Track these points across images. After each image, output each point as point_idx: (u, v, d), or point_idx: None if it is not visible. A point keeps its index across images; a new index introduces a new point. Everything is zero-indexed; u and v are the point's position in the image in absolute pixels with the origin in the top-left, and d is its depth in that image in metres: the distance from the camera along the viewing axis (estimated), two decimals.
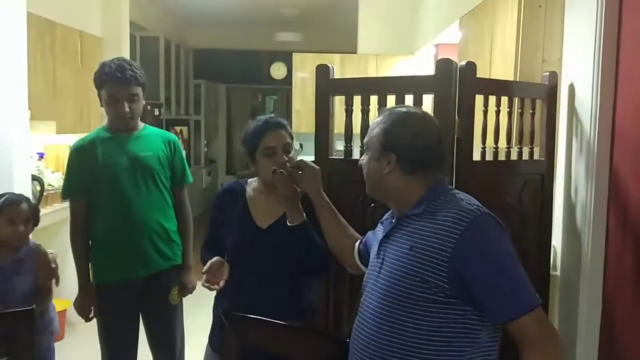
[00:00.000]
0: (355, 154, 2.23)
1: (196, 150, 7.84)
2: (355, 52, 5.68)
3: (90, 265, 2.13)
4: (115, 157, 2.09)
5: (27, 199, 2.05)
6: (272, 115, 1.83)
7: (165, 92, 6.48)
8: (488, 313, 1.09)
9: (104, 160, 2.08)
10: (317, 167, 1.69)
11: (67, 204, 3.62)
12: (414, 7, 5.24)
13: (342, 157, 2.23)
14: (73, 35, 3.92)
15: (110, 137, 2.13)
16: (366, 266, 1.37)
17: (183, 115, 7.33)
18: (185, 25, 7.07)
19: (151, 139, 2.18)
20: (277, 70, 6.29)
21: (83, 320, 2.12)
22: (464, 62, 2.02)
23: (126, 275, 2.08)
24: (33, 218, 2.03)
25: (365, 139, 1.35)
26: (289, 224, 1.62)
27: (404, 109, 1.41)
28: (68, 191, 2.18)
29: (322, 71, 2.21)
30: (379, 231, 1.36)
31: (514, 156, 2.24)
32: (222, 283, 1.60)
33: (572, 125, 2.20)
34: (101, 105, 2.14)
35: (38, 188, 3.19)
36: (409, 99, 2.09)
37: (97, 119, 4.35)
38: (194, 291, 2.25)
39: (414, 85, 2.07)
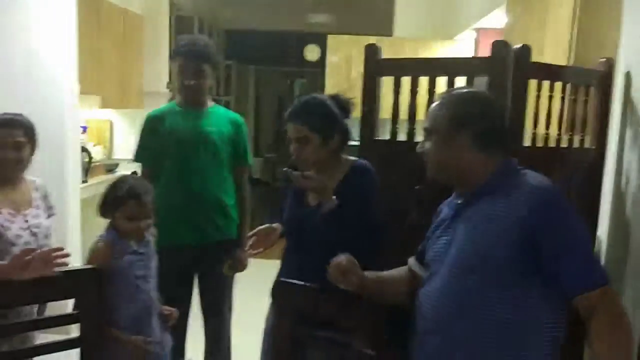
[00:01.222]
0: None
1: None
2: (390, 35, 5.63)
3: None
4: (182, 129, 2.18)
5: (148, 189, 1.77)
6: (303, 100, 1.79)
7: None
8: (562, 284, 1.10)
9: (171, 131, 2.18)
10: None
11: (109, 176, 3.77)
12: None
13: (388, 139, 2.22)
14: (117, 13, 3.99)
15: (180, 111, 2.23)
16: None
17: (214, 96, 7.39)
18: (218, 6, 7.08)
19: (217, 117, 2.26)
20: (311, 53, 6.25)
21: None
22: (519, 45, 1.99)
23: (182, 242, 2.15)
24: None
25: (428, 124, 1.31)
26: (323, 211, 1.65)
27: (464, 89, 1.41)
28: (139, 155, 2.31)
29: (371, 51, 2.20)
30: (440, 216, 1.35)
31: (564, 144, 2.22)
32: (261, 250, 1.72)
33: (626, 114, 2.14)
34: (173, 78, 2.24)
35: (87, 159, 3.29)
36: (459, 82, 2.09)
37: (138, 96, 4.46)
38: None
39: (467, 67, 2.05)
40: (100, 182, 3.53)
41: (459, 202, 1.28)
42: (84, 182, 3.25)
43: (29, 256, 1.43)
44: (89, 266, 1.63)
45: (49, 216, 2.00)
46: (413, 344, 1.29)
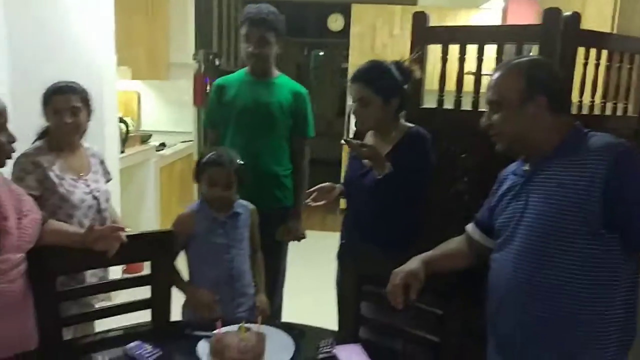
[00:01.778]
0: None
1: None
2: (415, 4, 5.56)
3: None
4: (244, 98, 2.23)
5: (233, 159, 1.80)
6: (367, 63, 1.85)
7: (218, 42, 6.48)
8: (636, 240, 1.15)
9: (234, 99, 2.24)
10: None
11: (144, 146, 3.84)
12: None
13: (435, 107, 2.24)
14: None
15: (246, 80, 2.27)
16: (491, 235, 1.40)
17: (233, 67, 7.37)
18: None
19: (280, 88, 2.28)
20: (334, 22, 6.15)
21: None
22: (569, 13, 1.99)
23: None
24: (236, 181, 1.81)
25: (495, 96, 1.28)
26: (376, 177, 1.71)
27: (523, 57, 1.41)
28: (207, 121, 2.44)
29: (419, 19, 2.21)
30: (505, 184, 1.38)
31: (608, 111, 2.23)
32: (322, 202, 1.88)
33: None
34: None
35: (124, 130, 3.35)
36: (508, 49, 2.10)
37: (165, 67, 4.46)
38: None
39: (517, 34, 2.05)
40: (137, 152, 3.60)
41: (527, 168, 1.31)
42: (121, 152, 3.31)
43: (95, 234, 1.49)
44: (163, 229, 1.70)
45: (107, 181, 2.07)
46: (490, 307, 1.34)
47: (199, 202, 1.84)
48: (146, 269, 1.71)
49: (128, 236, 1.55)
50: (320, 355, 1.43)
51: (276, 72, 2.31)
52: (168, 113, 4.71)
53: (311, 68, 9.31)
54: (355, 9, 5.39)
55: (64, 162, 1.88)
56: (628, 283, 1.19)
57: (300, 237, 2.34)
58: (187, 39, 4.63)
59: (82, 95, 1.88)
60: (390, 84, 1.78)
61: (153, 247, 1.67)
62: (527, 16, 4.17)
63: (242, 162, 1.80)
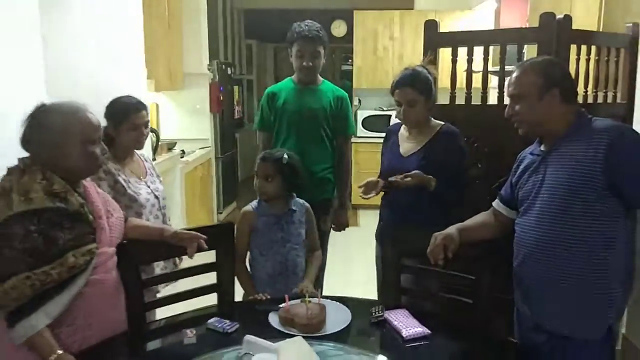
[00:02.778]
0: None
1: (249, 109, 8.17)
2: (412, 8, 5.85)
3: None
4: (292, 104, 2.53)
5: (279, 157, 2.02)
6: (407, 70, 2.13)
7: (224, 52, 6.75)
8: (633, 201, 1.44)
9: (283, 105, 2.54)
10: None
11: (171, 154, 4.08)
12: None
13: (447, 103, 2.51)
14: None
15: (294, 88, 2.57)
16: (514, 207, 1.69)
17: (238, 75, 7.62)
18: None
19: (324, 93, 2.57)
20: (337, 28, 6.49)
21: None
22: (561, 15, 2.27)
23: None
24: (280, 175, 2.02)
25: (516, 90, 1.56)
26: (429, 190, 2.00)
27: (538, 58, 1.69)
28: (260, 124, 2.67)
29: (430, 26, 2.47)
30: (524, 163, 1.65)
31: (599, 100, 2.52)
32: (373, 194, 2.09)
33: None
34: (290, 59, 2.57)
35: (154, 139, 3.60)
36: (510, 50, 2.37)
37: (181, 78, 4.70)
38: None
39: (517, 36, 2.34)
40: (165, 160, 3.85)
41: (543, 149, 1.59)
42: (153, 159, 3.55)
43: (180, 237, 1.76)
44: (226, 222, 1.95)
45: (160, 182, 2.30)
46: (515, 263, 1.61)
47: (258, 200, 2.09)
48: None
49: (197, 228, 1.81)
50: (373, 320, 1.67)
51: (320, 79, 2.62)
52: (185, 121, 4.96)
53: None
54: (357, 15, 5.69)
55: (127, 168, 2.13)
56: (626, 237, 1.48)
57: (346, 226, 2.61)
58: (202, 50, 4.88)
59: (148, 111, 2.15)
60: (428, 85, 2.10)
61: (217, 237, 1.90)
62: (518, 16, 4.46)
63: (287, 159, 2.04)
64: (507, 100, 1.63)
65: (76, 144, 1.50)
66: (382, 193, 2.19)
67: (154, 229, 1.82)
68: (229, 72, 5.54)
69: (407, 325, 1.62)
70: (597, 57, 2.47)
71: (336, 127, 2.60)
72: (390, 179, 2.04)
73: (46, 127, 1.48)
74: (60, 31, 2.80)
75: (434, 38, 2.45)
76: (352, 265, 3.84)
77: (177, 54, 4.57)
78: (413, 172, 2.00)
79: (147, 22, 3.55)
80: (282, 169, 2.02)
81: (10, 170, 1.48)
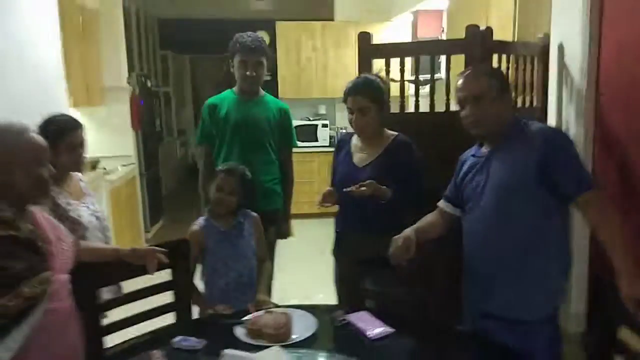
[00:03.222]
0: None
1: (168, 122, 7.91)
2: (332, 19, 6.02)
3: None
4: (236, 114, 2.50)
5: (242, 171, 2.07)
6: (359, 78, 2.16)
7: (139, 63, 6.49)
8: (567, 190, 1.57)
9: (226, 115, 2.50)
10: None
11: (96, 172, 3.83)
12: None
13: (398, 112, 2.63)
14: (76, 9, 3.94)
15: (236, 99, 2.54)
16: (458, 206, 1.81)
17: (153, 87, 7.36)
18: None
19: (267, 105, 2.57)
20: None
21: None
22: (483, 27, 2.48)
23: None
24: (242, 190, 2.04)
25: (476, 91, 1.64)
26: (380, 202, 2.00)
27: (484, 65, 1.84)
28: (201, 138, 2.61)
29: (364, 38, 2.59)
30: (467, 164, 1.78)
31: (519, 104, 2.77)
32: (329, 205, 2.10)
33: (561, 77, 2.72)
34: (231, 70, 2.54)
35: None
36: (440, 59, 2.55)
37: (100, 93, 4.46)
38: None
39: (446, 47, 2.51)
40: (92, 178, 3.62)
41: (484, 150, 1.72)
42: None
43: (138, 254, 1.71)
44: (181, 238, 1.89)
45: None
46: (465, 255, 1.74)
47: (204, 218, 2.05)
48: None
49: (151, 245, 1.75)
50: (337, 324, 1.70)
51: (261, 92, 2.60)
52: (105, 137, 4.69)
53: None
54: (280, 26, 5.74)
55: (66, 191, 2.00)
56: (562, 229, 1.67)
57: (289, 235, 2.62)
58: (120, 63, 4.66)
59: (83, 129, 2.05)
60: (381, 94, 2.11)
61: (173, 254, 1.83)
62: (433, 27, 4.77)
63: (248, 174, 2.04)
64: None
65: (21, 168, 1.40)
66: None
67: (108, 250, 1.74)
68: (149, 84, 5.34)
69: (370, 325, 1.67)
70: (515, 65, 2.72)
71: (280, 139, 2.60)
72: (345, 189, 2.01)
73: None
74: None
75: (367, 49, 2.57)
76: (296, 273, 3.86)
77: (94, 67, 4.33)
78: (368, 182, 1.98)
79: (62, 35, 3.36)
80: (245, 183, 2.02)
81: None
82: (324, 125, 6.01)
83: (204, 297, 2.01)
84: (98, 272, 1.69)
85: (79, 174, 2.18)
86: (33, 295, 1.34)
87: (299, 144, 5.67)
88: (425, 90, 2.92)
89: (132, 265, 1.73)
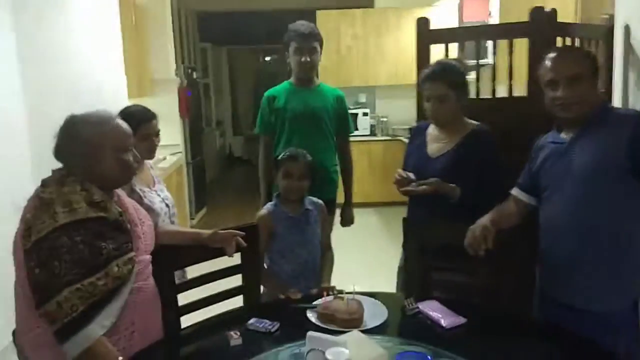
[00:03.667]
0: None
1: (207, 113, 8.02)
2: (372, 6, 5.96)
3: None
4: (295, 105, 2.55)
5: (305, 155, 2.08)
6: (439, 63, 2.02)
7: (181, 56, 6.58)
8: None
9: (285, 106, 2.55)
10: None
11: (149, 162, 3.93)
12: None
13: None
14: (129, 5, 4.05)
15: (293, 89, 2.60)
16: (532, 194, 1.76)
17: (204, 78, 7.47)
18: None
19: (324, 94, 2.61)
20: None
21: None
22: (548, 9, 2.40)
23: None
24: (309, 173, 2.06)
25: (575, 69, 1.57)
26: (450, 200, 1.90)
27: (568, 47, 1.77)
28: (260, 128, 2.67)
29: (423, 23, 2.54)
30: (545, 150, 1.72)
31: None
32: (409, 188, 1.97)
33: (627, 60, 2.61)
34: (287, 60, 2.58)
35: None
36: (502, 44, 2.48)
37: (150, 85, 4.55)
38: None
39: (508, 31, 2.44)
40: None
41: (566, 136, 1.66)
42: None
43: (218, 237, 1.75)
44: (249, 223, 1.92)
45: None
46: (544, 243, 1.70)
47: (273, 203, 2.07)
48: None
49: (221, 230, 1.78)
50: (409, 312, 1.69)
51: (317, 81, 2.63)
52: None
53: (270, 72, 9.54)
54: (320, 14, 5.72)
55: (139, 178, 2.05)
56: None
57: (352, 222, 2.63)
58: (168, 55, 4.76)
59: (158, 120, 2.09)
60: (462, 79, 1.99)
61: (242, 238, 1.85)
62: (481, 11, 4.66)
63: (311, 158, 2.05)
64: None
65: (109, 153, 1.48)
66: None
67: (189, 233, 1.82)
68: (194, 76, 5.43)
69: (444, 315, 1.66)
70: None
71: (337, 126, 2.63)
72: (402, 189, 1.91)
73: (78, 139, 1.47)
74: (36, 46, 2.70)
75: (425, 35, 2.52)
76: (353, 261, 3.86)
77: (145, 60, 4.45)
78: (431, 179, 1.88)
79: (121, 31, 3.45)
80: (312, 167, 2.03)
81: (47, 182, 1.45)
82: (365, 114, 5.98)
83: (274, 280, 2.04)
84: (175, 254, 1.74)
85: (150, 162, 2.23)
86: (120, 275, 1.40)
87: None
88: (470, 76, 2.85)
89: (206, 248, 1.77)
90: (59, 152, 1.49)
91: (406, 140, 2.18)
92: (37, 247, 1.33)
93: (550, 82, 1.63)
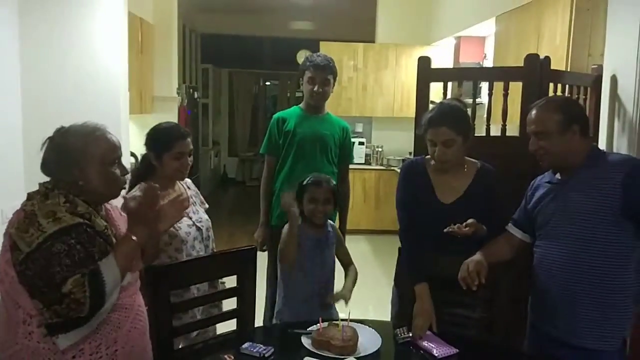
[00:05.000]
0: None
1: (204, 132, 8.08)
2: (373, 41, 6.14)
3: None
4: (305, 129, 2.65)
5: (329, 180, 2.13)
6: (444, 106, 1.93)
7: (182, 76, 6.70)
8: None
9: (294, 129, 2.64)
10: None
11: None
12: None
13: None
14: (137, 22, 4.15)
15: (302, 114, 2.69)
16: (527, 231, 1.84)
17: (204, 98, 7.56)
18: (196, 11, 7.26)
19: (331, 123, 2.72)
20: (302, 57, 6.69)
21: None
22: (542, 56, 2.53)
23: None
24: (333, 198, 2.09)
25: (539, 128, 1.68)
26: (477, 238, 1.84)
27: (555, 97, 1.83)
28: (266, 148, 2.73)
29: (424, 61, 2.64)
30: (540, 190, 1.79)
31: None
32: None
33: (613, 108, 2.73)
34: (300, 86, 2.66)
35: (132, 161, 3.51)
36: (497, 86, 2.59)
37: (150, 101, 4.62)
38: None
39: (504, 74, 2.56)
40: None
41: (560, 177, 1.74)
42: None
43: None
44: (248, 246, 1.96)
45: (205, 210, 2.17)
46: (536, 282, 1.76)
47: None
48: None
49: (220, 252, 1.80)
50: (400, 340, 1.74)
51: (325, 109, 2.73)
52: None
53: (270, 97, 9.70)
54: (323, 45, 5.87)
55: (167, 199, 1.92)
56: (637, 260, 1.66)
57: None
58: (171, 74, 4.85)
59: (191, 138, 2.06)
60: (466, 123, 1.93)
61: (238, 262, 1.92)
62: (475, 53, 4.84)
63: (335, 184, 2.12)
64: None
65: (95, 165, 1.44)
66: None
67: (128, 238, 1.53)
68: (195, 95, 5.51)
69: (436, 345, 1.70)
70: (569, 95, 2.75)
71: (341, 155, 2.73)
72: (446, 229, 1.80)
73: (65, 149, 1.44)
74: (39, 52, 2.71)
75: (426, 73, 2.63)
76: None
77: (148, 78, 4.52)
78: (470, 221, 1.80)
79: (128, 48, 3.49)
80: (334, 193, 2.11)
81: (31, 195, 1.43)
82: (361, 143, 6.09)
83: (284, 305, 2.08)
84: (173, 274, 1.76)
85: (187, 182, 2.16)
86: None
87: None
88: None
89: (206, 270, 1.80)
90: (46, 164, 1.45)
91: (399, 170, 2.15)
92: (32, 258, 1.31)
93: (528, 133, 1.75)
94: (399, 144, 6.04)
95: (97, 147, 1.45)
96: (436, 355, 1.65)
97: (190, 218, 2.04)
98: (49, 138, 1.47)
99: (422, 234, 1.93)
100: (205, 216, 2.14)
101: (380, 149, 6.22)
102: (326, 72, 2.61)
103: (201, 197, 2.24)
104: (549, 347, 1.73)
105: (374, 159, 6.23)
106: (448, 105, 1.95)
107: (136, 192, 1.81)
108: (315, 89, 2.60)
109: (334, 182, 2.17)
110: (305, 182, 2.12)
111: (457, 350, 1.68)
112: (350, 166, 2.84)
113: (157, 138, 2.00)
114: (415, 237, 1.95)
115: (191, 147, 2.04)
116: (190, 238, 2.00)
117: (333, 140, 2.67)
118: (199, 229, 2.06)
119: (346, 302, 1.83)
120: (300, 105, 2.75)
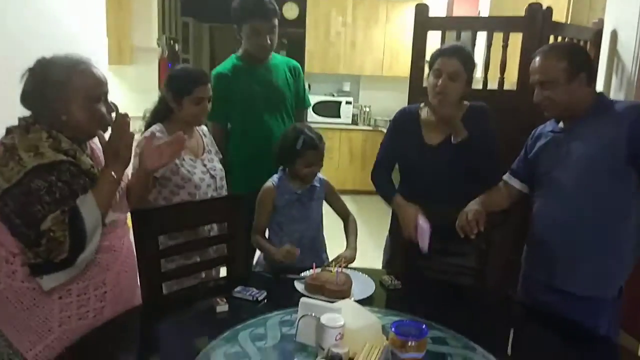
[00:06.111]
0: None
1: None
2: None
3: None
4: (253, 86, 2.28)
5: (321, 138, 2.00)
6: (455, 43, 2.01)
7: (161, 27, 6.41)
8: None
9: (241, 89, 2.27)
10: None
11: None
12: None
13: None
14: None
15: (246, 67, 2.30)
16: (525, 181, 1.80)
17: (185, 53, 7.29)
18: None
19: (279, 67, 2.36)
20: (290, 11, 6.40)
21: None
22: (545, 7, 2.45)
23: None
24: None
25: (544, 77, 1.60)
26: (453, 142, 1.84)
27: (561, 43, 1.77)
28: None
29: (421, 10, 2.54)
30: (542, 139, 1.74)
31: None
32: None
33: (612, 64, 2.69)
34: (239, 38, 2.28)
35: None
36: (497, 37, 2.51)
37: (130, 52, 4.41)
38: None
39: (504, 24, 2.47)
40: None
41: (563, 127, 1.69)
42: None
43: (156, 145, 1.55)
44: (235, 193, 1.91)
45: (219, 159, 2.11)
46: (536, 231, 1.73)
47: (278, 176, 2.03)
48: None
49: (207, 200, 1.75)
50: (391, 287, 1.71)
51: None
52: (132, 97, 4.65)
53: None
54: None
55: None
56: (638, 211, 1.63)
57: None
58: (151, 23, 4.61)
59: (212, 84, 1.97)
60: (472, 62, 1.91)
61: (227, 209, 1.85)
62: (470, 6, 4.70)
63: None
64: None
65: (78, 100, 1.36)
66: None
67: (106, 174, 1.43)
68: (176, 48, 5.28)
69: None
70: None
71: (295, 100, 2.41)
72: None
73: (47, 81, 1.35)
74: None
75: (424, 21, 2.53)
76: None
77: (126, 26, 4.29)
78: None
79: None
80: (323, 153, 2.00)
81: (10, 129, 1.35)
82: (348, 102, 5.99)
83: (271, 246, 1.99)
84: (162, 218, 1.69)
85: (204, 129, 2.10)
86: None
87: (321, 119, 5.74)
88: None
89: (196, 214, 1.73)
90: (25, 97, 1.37)
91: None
92: (10, 194, 1.26)
93: (531, 83, 1.67)
94: (387, 103, 5.93)
95: (81, 80, 1.37)
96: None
97: (205, 165, 1.99)
98: (29, 69, 1.38)
99: (411, 180, 1.96)
100: (219, 165, 2.08)
101: (367, 109, 6.13)
102: (272, 19, 2.20)
103: (216, 147, 2.13)
104: (544, 295, 1.72)
105: (361, 119, 6.14)
106: (459, 44, 1.96)
107: (157, 132, 1.83)
108: (263, 42, 2.20)
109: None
110: (299, 146, 1.93)
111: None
112: (337, 126, 2.63)
113: (179, 80, 1.89)
114: (387, 170, 2.05)
115: (210, 93, 1.93)
116: (203, 185, 1.95)
117: (287, 86, 2.33)
118: (212, 176, 2.01)
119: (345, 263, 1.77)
120: (238, 53, 2.33)
